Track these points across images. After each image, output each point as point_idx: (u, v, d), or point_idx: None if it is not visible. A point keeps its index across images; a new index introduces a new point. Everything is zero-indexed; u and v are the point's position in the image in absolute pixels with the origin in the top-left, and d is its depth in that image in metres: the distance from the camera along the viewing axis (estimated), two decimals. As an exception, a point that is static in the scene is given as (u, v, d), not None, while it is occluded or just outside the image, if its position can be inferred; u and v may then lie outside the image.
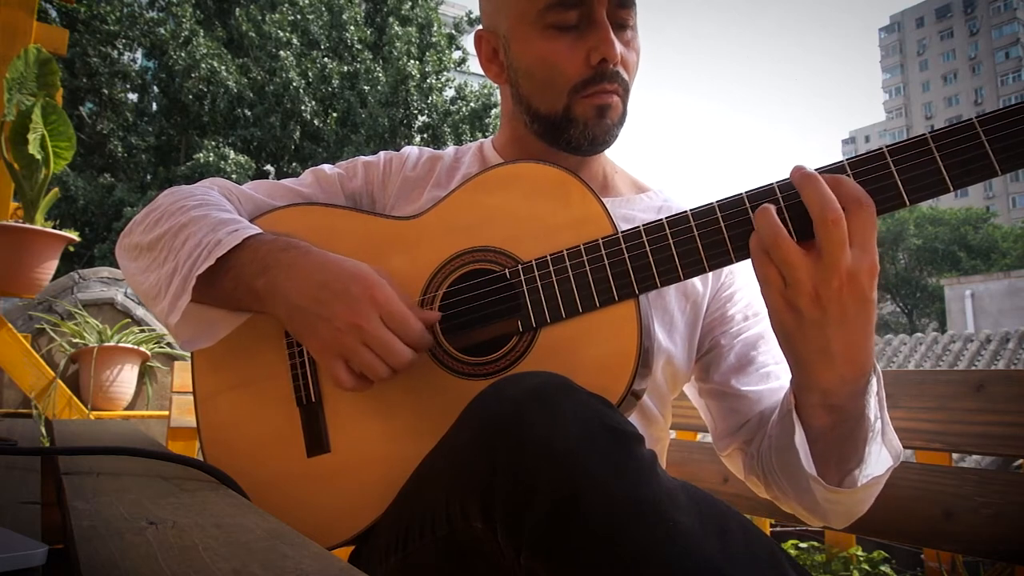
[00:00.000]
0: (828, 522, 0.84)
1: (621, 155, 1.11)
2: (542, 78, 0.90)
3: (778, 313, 0.72)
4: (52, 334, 3.16)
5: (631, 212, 0.98)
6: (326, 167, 1.05)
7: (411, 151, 1.08)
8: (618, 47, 0.87)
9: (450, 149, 1.09)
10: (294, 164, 14.78)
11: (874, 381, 0.74)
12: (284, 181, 1.03)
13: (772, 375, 0.92)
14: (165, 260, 0.85)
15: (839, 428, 0.75)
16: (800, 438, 0.76)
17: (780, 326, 0.73)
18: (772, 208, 0.69)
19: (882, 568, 1.79)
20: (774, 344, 0.94)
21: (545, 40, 0.88)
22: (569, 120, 0.90)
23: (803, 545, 1.96)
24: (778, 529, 2.64)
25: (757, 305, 0.97)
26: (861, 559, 1.77)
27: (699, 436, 1.62)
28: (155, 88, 15.04)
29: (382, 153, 1.07)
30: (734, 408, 0.93)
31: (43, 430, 1.27)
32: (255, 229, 0.85)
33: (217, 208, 0.89)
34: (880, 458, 0.78)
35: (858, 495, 0.78)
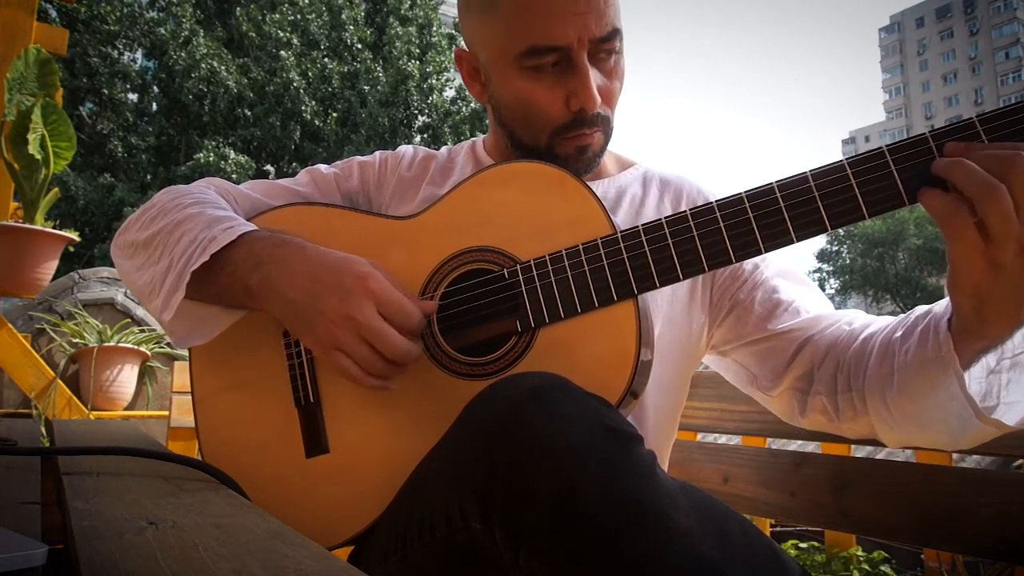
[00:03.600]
0: (942, 444, 0.81)
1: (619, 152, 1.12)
2: (522, 116, 0.90)
3: (974, 273, 0.66)
4: (52, 334, 3.16)
5: (620, 189, 1.00)
6: (322, 167, 1.05)
7: (406, 151, 1.08)
8: (597, 87, 0.85)
9: (443, 149, 1.09)
10: (294, 164, 14.79)
11: None
12: (280, 181, 1.03)
13: (801, 308, 0.92)
14: (160, 257, 0.85)
15: (969, 368, 0.72)
16: (958, 390, 0.71)
17: (974, 286, 0.67)
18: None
19: (882, 568, 1.78)
20: (790, 280, 0.95)
21: (524, 80, 0.87)
22: (552, 156, 0.91)
23: (803, 545, 1.96)
24: (778, 529, 2.64)
25: None
26: (861, 559, 1.77)
27: (699, 436, 1.62)
28: (155, 88, 15.06)
29: (377, 153, 1.08)
30: (775, 348, 0.92)
31: (43, 430, 1.27)
32: (250, 226, 0.85)
33: (213, 206, 0.89)
34: None
35: (1006, 430, 0.73)
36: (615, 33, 0.86)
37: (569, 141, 0.89)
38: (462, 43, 1.00)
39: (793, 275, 0.98)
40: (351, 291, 0.75)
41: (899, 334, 0.80)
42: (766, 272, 0.96)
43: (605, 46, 0.86)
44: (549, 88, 0.86)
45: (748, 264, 0.96)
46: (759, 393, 0.97)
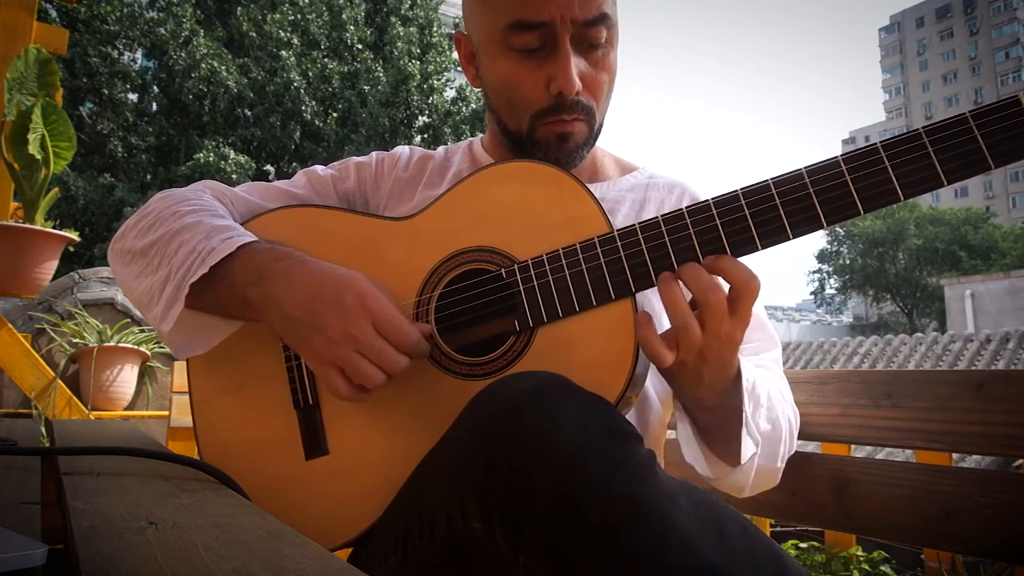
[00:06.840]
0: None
1: (621, 155, 1.12)
2: (506, 99, 0.91)
3: (664, 363, 0.75)
4: (52, 334, 3.16)
5: (620, 193, 1.00)
6: (318, 168, 1.05)
7: (402, 151, 1.08)
8: (577, 73, 0.86)
9: (440, 149, 1.09)
10: (294, 164, 14.79)
11: (742, 379, 0.79)
12: (277, 183, 1.03)
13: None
14: (158, 267, 0.85)
15: (719, 420, 0.81)
16: (683, 434, 0.84)
17: (667, 375, 0.78)
18: (680, 287, 0.72)
19: (882, 568, 1.79)
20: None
21: (508, 61, 0.88)
22: (533, 142, 0.91)
23: (803, 545, 1.96)
24: (778, 529, 2.64)
25: None
26: (861, 559, 1.77)
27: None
28: (155, 88, 15.05)
29: (374, 154, 1.07)
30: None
31: (43, 430, 1.27)
32: (249, 236, 0.85)
33: (210, 214, 0.89)
34: (747, 446, 0.83)
35: (729, 479, 0.84)
36: (602, 18, 0.86)
37: (549, 127, 0.89)
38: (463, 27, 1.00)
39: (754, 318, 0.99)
40: (351, 309, 0.75)
41: None
42: None
43: (592, 32, 0.86)
44: (532, 71, 0.87)
45: None
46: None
